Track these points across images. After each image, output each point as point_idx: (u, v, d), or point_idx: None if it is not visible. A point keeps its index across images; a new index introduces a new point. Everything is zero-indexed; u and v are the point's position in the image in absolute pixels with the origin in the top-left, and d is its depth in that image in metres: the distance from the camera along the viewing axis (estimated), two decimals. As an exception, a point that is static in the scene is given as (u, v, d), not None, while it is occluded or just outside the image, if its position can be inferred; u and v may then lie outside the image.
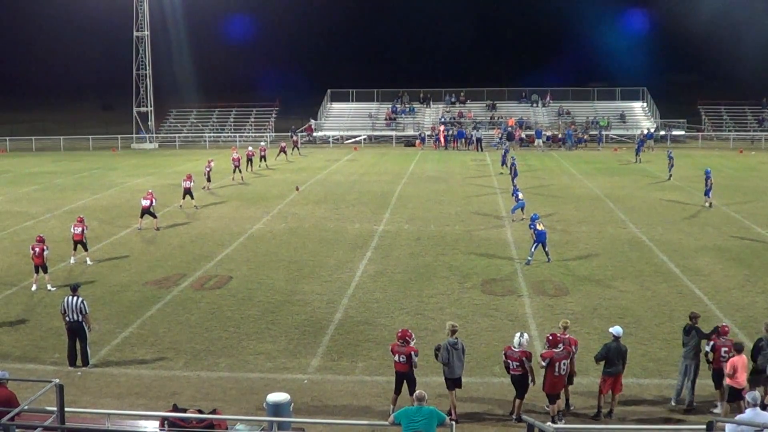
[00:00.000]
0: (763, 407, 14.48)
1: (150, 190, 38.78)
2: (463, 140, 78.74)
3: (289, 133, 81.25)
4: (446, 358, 17.67)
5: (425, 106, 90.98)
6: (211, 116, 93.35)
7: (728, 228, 37.44)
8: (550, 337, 17.53)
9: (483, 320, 24.16)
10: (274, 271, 29.75)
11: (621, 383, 17.87)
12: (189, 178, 43.13)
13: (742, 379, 17.08)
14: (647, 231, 36.54)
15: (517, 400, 17.55)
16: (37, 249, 27.48)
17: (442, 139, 79.15)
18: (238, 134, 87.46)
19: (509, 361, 17.43)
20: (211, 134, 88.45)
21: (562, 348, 17.36)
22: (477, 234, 36.23)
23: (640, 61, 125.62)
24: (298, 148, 72.50)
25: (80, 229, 31.10)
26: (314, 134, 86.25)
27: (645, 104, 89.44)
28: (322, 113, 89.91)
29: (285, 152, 67.55)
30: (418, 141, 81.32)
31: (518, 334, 17.65)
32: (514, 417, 17.48)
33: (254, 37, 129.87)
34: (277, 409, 15.01)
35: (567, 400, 18.12)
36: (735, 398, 17.12)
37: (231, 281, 28.52)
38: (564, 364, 17.22)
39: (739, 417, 14.28)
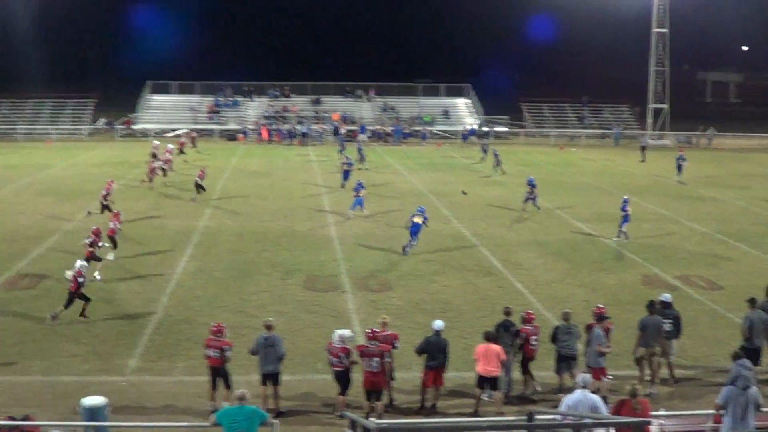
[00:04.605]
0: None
1: (110, 179, 38.26)
2: (296, 135, 78.61)
3: (103, 125, 79.19)
4: (254, 350, 18.04)
5: (249, 99, 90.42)
6: (25, 107, 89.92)
7: (549, 223, 38.83)
8: (369, 333, 17.83)
9: (306, 317, 24.33)
10: (90, 269, 28.94)
11: (443, 377, 18.33)
12: None
13: (491, 366, 18.06)
14: (470, 226, 37.45)
15: (340, 397, 17.75)
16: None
17: (264, 134, 78.95)
18: (53, 126, 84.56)
19: (331, 357, 17.63)
20: (24, 126, 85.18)
21: (377, 345, 17.68)
22: (300, 230, 36.31)
23: (465, 58, 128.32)
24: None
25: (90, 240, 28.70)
26: (133, 127, 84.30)
27: (469, 101, 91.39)
28: (142, 105, 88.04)
29: (183, 151, 63.97)
30: (240, 135, 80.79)
31: (338, 330, 17.88)
32: (336, 413, 17.66)
33: (68, 24, 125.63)
34: (93, 413, 14.74)
35: (390, 395, 18.42)
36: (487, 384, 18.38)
37: (45, 280, 27.66)
38: (375, 361, 17.43)
39: (569, 396, 14.90)
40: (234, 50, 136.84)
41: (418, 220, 32.15)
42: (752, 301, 20.40)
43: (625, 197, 36.46)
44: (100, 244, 28.76)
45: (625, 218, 35.10)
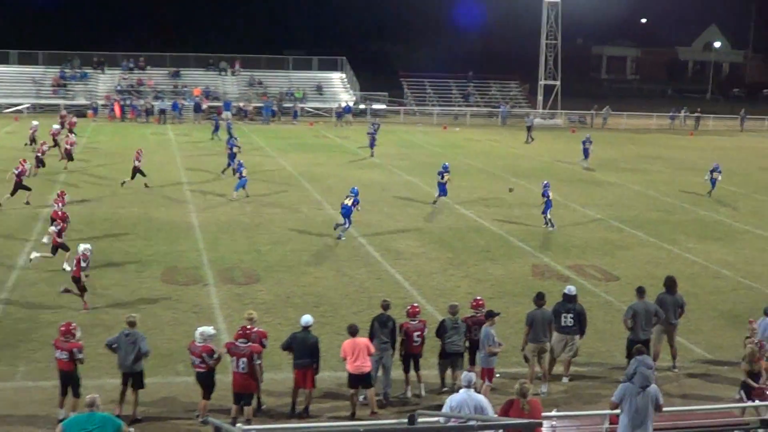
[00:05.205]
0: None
1: (23, 159, 37.95)
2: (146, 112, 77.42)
3: None
4: (111, 343, 17.98)
5: (99, 71, 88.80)
6: None
7: (430, 209, 39.17)
8: (241, 331, 17.73)
9: (165, 313, 24.08)
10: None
11: (312, 378, 18.24)
12: None
13: (360, 362, 18.26)
14: (345, 212, 37.55)
15: (203, 401, 17.63)
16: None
17: (117, 110, 77.63)
18: None
19: (193, 357, 17.49)
20: None
21: (245, 344, 17.59)
22: (157, 217, 35.90)
23: (339, 29, 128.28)
24: None
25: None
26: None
27: (344, 75, 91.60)
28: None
29: (73, 131, 60.91)
30: (90, 111, 79.29)
31: (200, 328, 17.76)
32: (200, 419, 17.53)
33: None
34: None
35: (258, 398, 18.36)
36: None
37: None
38: (242, 361, 17.38)
39: (452, 397, 15.07)
40: (83, 16, 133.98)
41: (347, 201, 32.80)
42: (640, 291, 20.90)
43: (546, 182, 36.92)
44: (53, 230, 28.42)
45: (548, 204, 35.70)
